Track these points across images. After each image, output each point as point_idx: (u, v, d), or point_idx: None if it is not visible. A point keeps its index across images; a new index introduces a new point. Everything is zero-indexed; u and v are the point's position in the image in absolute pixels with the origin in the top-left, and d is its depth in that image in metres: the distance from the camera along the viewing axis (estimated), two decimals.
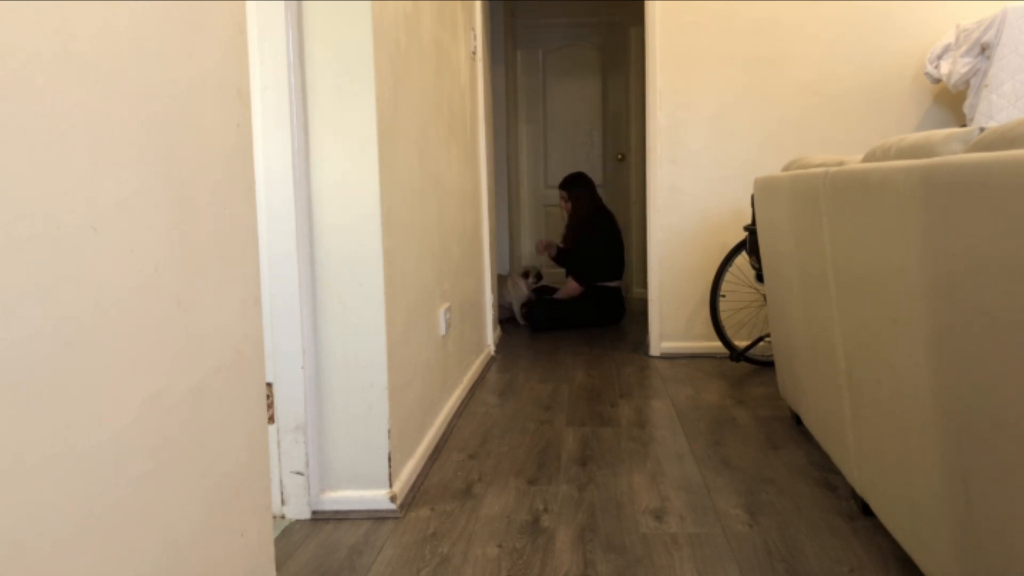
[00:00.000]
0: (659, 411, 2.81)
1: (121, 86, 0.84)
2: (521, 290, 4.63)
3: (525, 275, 4.71)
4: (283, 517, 1.92)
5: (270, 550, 1.23)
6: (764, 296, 3.22)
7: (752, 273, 3.35)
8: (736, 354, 3.43)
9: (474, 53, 3.56)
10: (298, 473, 1.89)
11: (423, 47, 2.43)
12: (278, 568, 1.66)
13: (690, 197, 3.72)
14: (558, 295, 4.64)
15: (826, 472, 2.14)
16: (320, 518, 1.92)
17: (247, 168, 1.15)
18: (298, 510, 1.91)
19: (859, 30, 3.60)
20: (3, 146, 0.67)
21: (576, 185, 4.69)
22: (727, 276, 3.52)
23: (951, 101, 3.58)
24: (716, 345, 3.60)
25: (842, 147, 3.60)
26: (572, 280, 4.60)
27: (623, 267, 4.66)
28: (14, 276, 0.68)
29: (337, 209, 1.88)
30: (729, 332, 3.52)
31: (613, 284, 4.58)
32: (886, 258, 1.34)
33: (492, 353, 3.81)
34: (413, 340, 2.22)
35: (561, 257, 4.61)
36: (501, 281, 4.61)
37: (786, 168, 2.35)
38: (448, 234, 2.80)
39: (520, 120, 5.72)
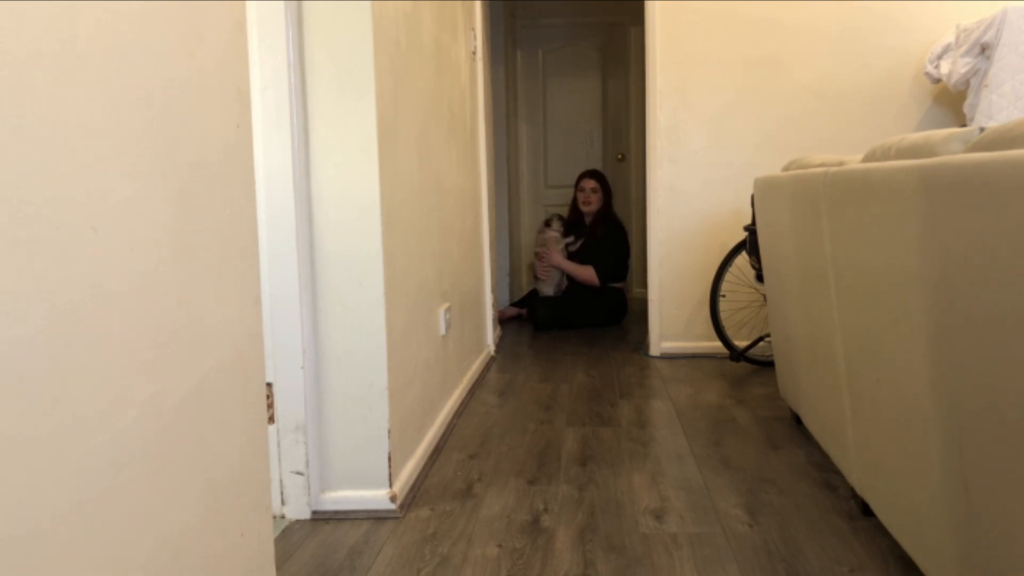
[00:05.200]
0: (659, 411, 2.81)
1: (121, 86, 0.84)
2: (553, 277, 4.59)
3: (548, 223, 4.70)
4: (283, 517, 1.92)
5: (270, 550, 1.23)
6: (764, 296, 3.22)
7: (752, 273, 3.35)
8: (736, 354, 3.43)
9: (474, 53, 3.56)
10: (298, 473, 1.89)
11: (423, 47, 2.42)
12: (278, 568, 1.66)
13: (690, 197, 3.72)
14: (566, 265, 4.56)
15: (826, 472, 2.14)
16: (320, 518, 1.92)
17: (247, 168, 1.15)
18: (298, 510, 1.91)
19: (859, 30, 3.60)
20: (2, 146, 0.67)
21: (606, 180, 4.73)
22: (727, 276, 3.52)
23: (951, 101, 3.58)
24: (716, 345, 3.60)
25: (842, 147, 3.60)
26: (592, 269, 4.51)
27: (628, 271, 4.68)
28: (14, 276, 0.68)
29: (337, 209, 1.88)
30: (729, 332, 3.52)
31: (618, 285, 4.59)
32: (886, 258, 1.34)
33: (492, 353, 3.81)
34: (413, 340, 2.22)
35: (584, 253, 4.57)
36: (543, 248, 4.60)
37: (786, 168, 2.35)
38: (448, 234, 2.80)
39: (520, 120, 5.72)
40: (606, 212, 4.65)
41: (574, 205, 4.76)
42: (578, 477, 2.16)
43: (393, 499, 1.94)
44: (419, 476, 2.16)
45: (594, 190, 4.68)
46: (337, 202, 1.88)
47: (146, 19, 0.89)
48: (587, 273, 4.51)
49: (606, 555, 1.70)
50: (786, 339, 2.41)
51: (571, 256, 4.66)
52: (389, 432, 1.94)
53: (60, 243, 0.74)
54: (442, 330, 2.61)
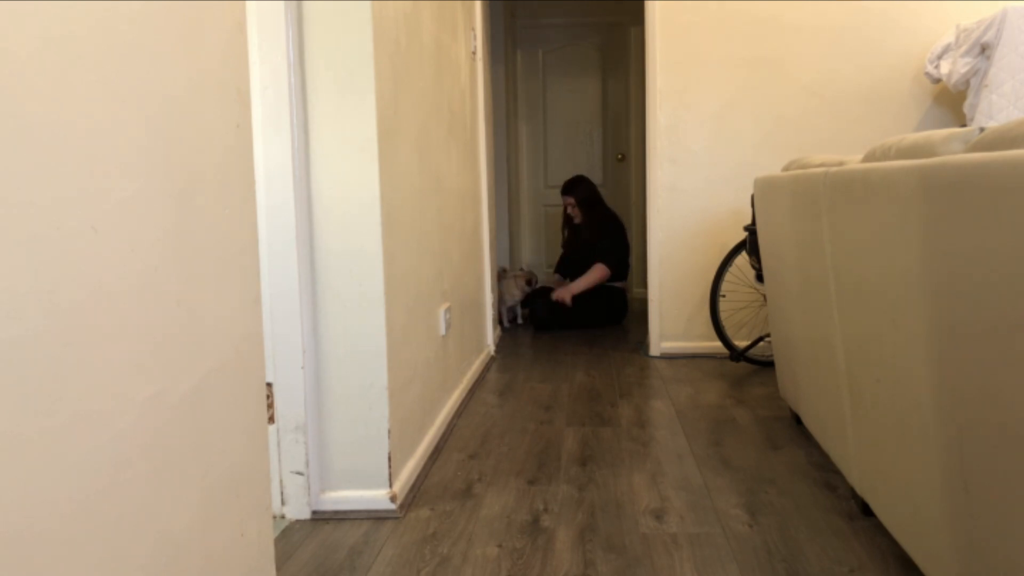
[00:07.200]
0: (659, 411, 2.81)
1: (121, 86, 0.84)
2: (514, 294, 4.57)
3: (529, 282, 4.68)
4: (283, 517, 1.92)
5: (270, 550, 1.23)
6: (764, 296, 3.22)
7: (752, 273, 3.35)
8: (736, 354, 3.43)
9: (474, 53, 3.56)
10: (298, 473, 1.89)
11: (423, 47, 2.42)
12: (278, 568, 1.66)
13: (690, 197, 3.72)
14: (579, 285, 4.45)
15: (826, 472, 2.14)
16: (320, 518, 1.92)
17: (247, 168, 1.15)
18: (298, 510, 1.91)
19: (859, 30, 3.60)
20: (3, 147, 0.67)
21: (582, 189, 4.65)
22: (727, 276, 3.52)
23: (951, 101, 3.58)
24: (716, 345, 3.60)
25: (842, 147, 3.60)
26: (599, 265, 4.42)
27: (628, 269, 4.65)
28: (14, 276, 0.68)
29: (337, 209, 1.88)
30: (729, 332, 3.52)
31: (619, 285, 4.57)
32: (886, 258, 1.34)
33: (492, 353, 3.81)
34: (413, 340, 2.22)
35: (579, 259, 4.54)
36: (500, 277, 4.56)
37: (786, 168, 2.35)
38: (448, 234, 2.80)
39: (520, 120, 5.72)
40: (596, 215, 4.62)
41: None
42: (578, 477, 2.16)
43: (393, 499, 1.94)
44: (419, 476, 2.16)
45: (572, 205, 4.67)
46: (337, 202, 1.88)
47: (146, 19, 0.89)
48: (598, 273, 4.44)
49: (606, 555, 1.70)
50: (786, 339, 2.41)
51: (572, 265, 4.62)
52: (389, 432, 1.94)
53: (60, 243, 0.74)
54: (442, 330, 2.61)
